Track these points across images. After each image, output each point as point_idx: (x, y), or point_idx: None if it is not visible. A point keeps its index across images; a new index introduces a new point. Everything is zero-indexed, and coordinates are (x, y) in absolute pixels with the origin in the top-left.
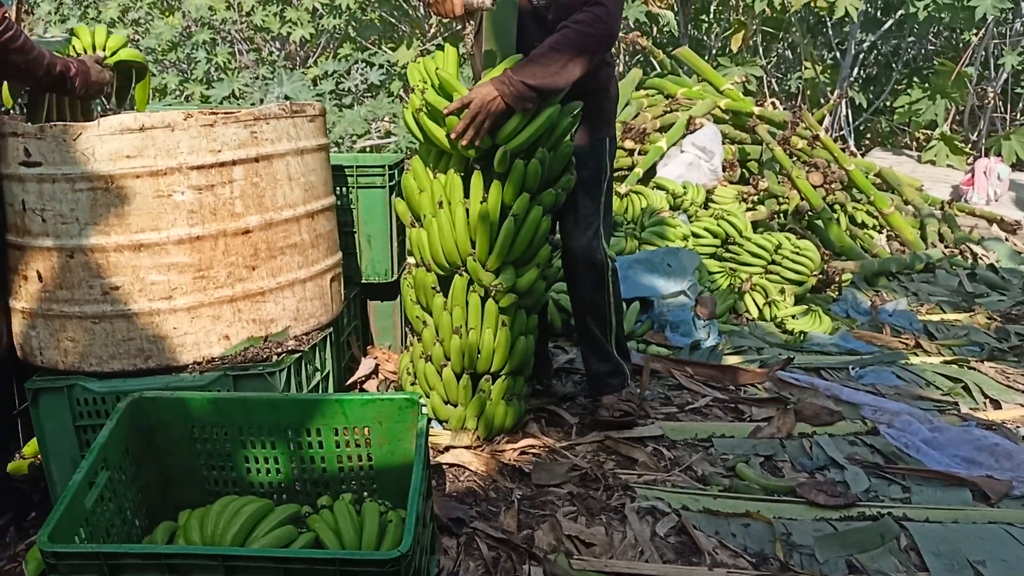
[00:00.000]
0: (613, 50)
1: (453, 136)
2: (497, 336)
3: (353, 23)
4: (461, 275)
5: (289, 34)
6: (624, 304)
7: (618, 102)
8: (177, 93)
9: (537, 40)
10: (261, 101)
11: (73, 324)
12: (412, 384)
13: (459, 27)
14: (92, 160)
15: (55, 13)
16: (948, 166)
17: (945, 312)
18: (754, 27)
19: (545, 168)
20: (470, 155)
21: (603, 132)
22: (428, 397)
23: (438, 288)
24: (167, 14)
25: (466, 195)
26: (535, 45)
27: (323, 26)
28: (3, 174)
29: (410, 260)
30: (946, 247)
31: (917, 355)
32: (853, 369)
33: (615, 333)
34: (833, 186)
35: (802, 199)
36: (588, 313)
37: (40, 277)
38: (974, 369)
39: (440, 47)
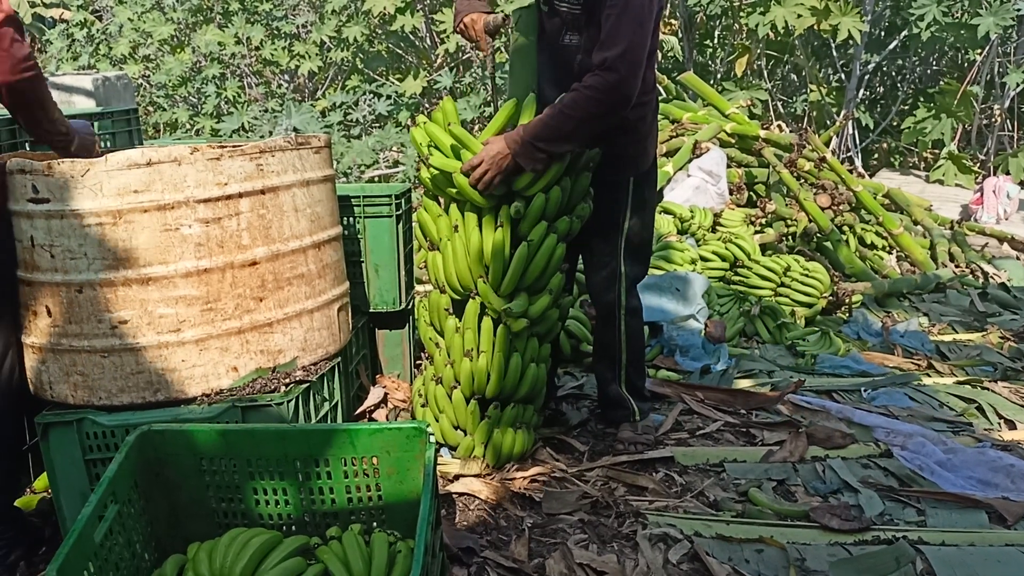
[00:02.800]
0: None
1: (471, 182)
2: (508, 362)
3: (360, 55)
4: (474, 299)
5: (297, 67)
6: (643, 344)
7: (650, 139)
8: (187, 127)
9: (562, 74)
10: (270, 133)
11: (82, 358)
12: (423, 406)
13: (481, 52)
14: (100, 195)
15: (67, 51)
16: (957, 185)
17: (957, 332)
18: (758, 51)
19: (565, 196)
20: (483, 204)
21: (624, 172)
22: (438, 420)
23: (451, 310)
24: (177, 50)
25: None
26: (561, 80)
27: (331, 59)
28: (12, 211)
29: (420, 288)
30: (957, 267)
31: (930, 376)
32: (865, 391)
33: (624, 370)
34: (841, 207)
35: (810, 221)
36: (598, 347)
37: (49, 312)
38: (988, 389)
39: (449, 82)
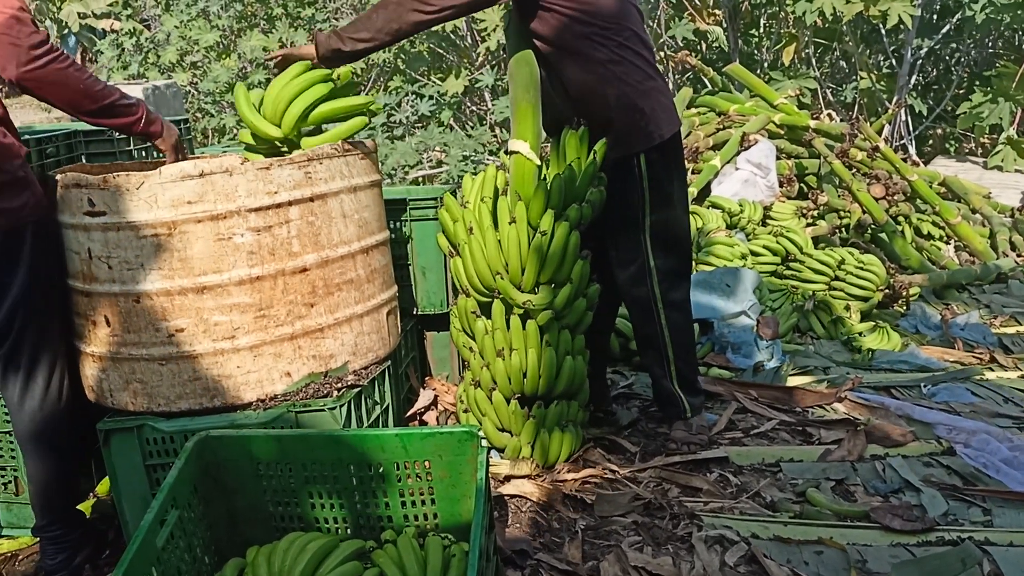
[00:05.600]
0: (631, 61)
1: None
2: (541, 357)
3: (402, 56)
4: (498, 297)
5: None
6: (692, 338)
7: (656, 115)
8: (234, 133)
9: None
10: None
11: (141, 366)
12: (465, 412)
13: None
14: (155, 207)
15: (117, 60)
16: (1016, 171)
17: (1020, 324)
18: (806, 39)
19: (570, 185)
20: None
21: (625, 148)
22: (481, 424)
23: (479, 313)
24: (223, 56)
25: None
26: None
27: (373, 60)
28: (67, 224)
29: None
30: (1018, 256)
31: (992, 370)
32: (925, 387)
33: (674, 364)
34: (896, 198)
35: (864, 212)
36: (641, 343)
37: (108, 322)
38: None
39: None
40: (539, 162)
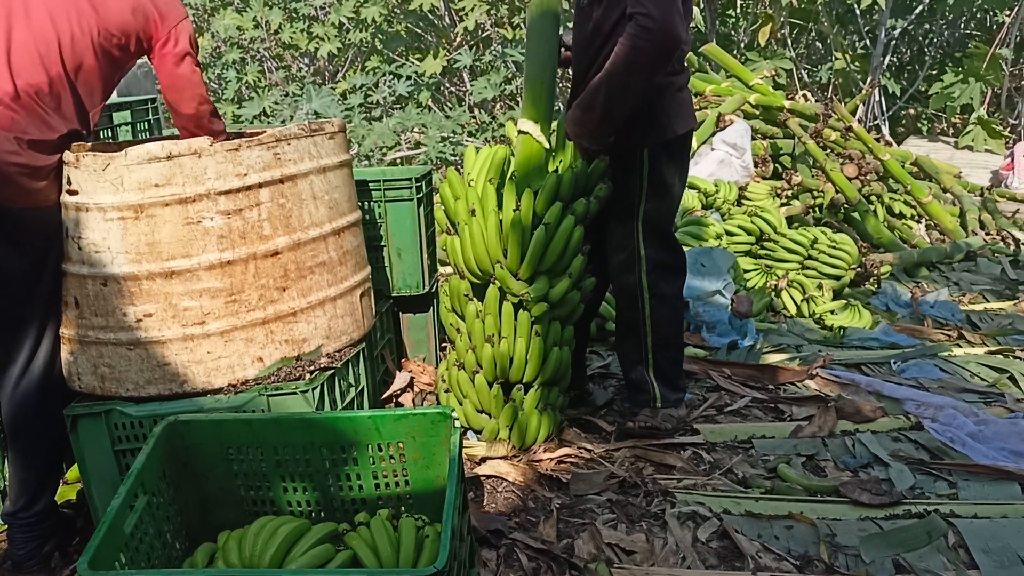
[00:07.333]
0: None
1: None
2: (530, 346)
3: (379, 36)
4: (494, 283)
5: (317, 50)
6: (679, 334)
7: (670, 111)
8: None
9: (581, 38)
10: (291, 118)
11: (109, 350)
12: (446, 391)
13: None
14: (121, 190)
15: None
16: (987, 151)
17: (988, 301)
18: (782, 19)
19: (581, 179)
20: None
21: (634, 139)
22: (461, 405)
23: (471, 296)
24: (197, 35)
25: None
26: (581, 44)
27: (350, 40)
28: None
29: (444, 270)
30: (987, 234)
31: (960, 346)
32: (895, 363)
33: (653, 356)
34: (868, 177)
35: (837, 192)
36: (622, 327)
37: (77, 304)
38: (1020, 359)
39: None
40: (548, 145)
